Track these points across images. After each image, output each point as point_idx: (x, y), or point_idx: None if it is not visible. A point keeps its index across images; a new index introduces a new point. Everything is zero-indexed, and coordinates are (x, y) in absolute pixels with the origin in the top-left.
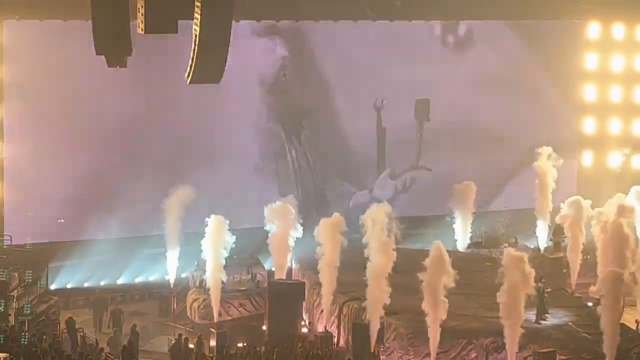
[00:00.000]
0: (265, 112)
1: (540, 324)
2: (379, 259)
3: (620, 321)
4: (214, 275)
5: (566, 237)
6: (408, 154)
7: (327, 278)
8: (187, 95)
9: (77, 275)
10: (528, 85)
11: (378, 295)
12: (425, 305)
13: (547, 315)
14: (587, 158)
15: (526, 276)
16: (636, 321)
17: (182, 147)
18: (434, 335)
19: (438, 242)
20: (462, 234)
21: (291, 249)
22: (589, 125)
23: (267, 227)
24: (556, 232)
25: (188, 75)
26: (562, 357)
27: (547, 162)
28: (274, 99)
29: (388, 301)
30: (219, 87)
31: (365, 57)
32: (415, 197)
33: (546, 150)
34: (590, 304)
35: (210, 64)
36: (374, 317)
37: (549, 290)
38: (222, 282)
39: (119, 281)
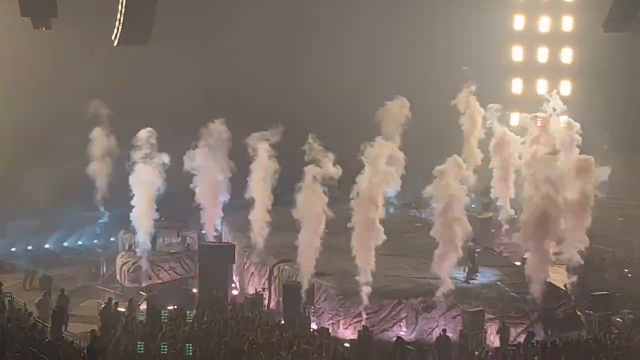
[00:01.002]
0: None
1: (470, 283)
2: (311, 221)
3: (548, 280)
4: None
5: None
6: None
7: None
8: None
9: (4, 240)
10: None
11: (308, 256)
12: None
13: (477, 274)
14: (514, 118)
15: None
16: (564, 285)
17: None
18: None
19: None
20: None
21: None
22: (516, 86)
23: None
24: (484, 192)
25: (115, 37)
26: (491, 315)
27: (475, 118)
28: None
29: (318, 263)
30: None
31: None
32: None
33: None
34: (518, 263)
35: (138, 26)
36: (305, 279)
37: (479, 250)
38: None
39: (47, 245)
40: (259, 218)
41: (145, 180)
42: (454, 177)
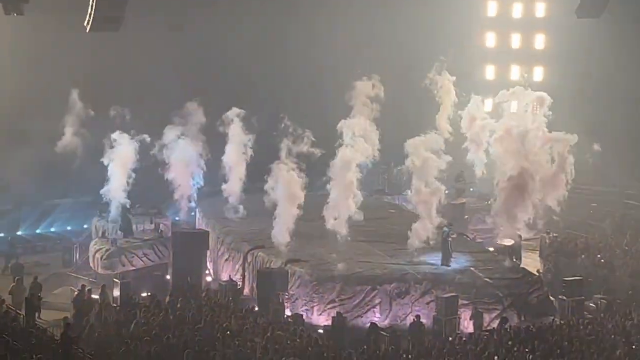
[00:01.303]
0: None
1: (449, 265)
2: (286, 206)
3: (522, 265)
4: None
5: (467, 182)
6: None
7: None
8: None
9: None
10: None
11: (282, 242)
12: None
13: (452, 258)
14: (488, 104)
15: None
16: (537, 270)
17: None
18: None
19: None
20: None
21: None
22: (489, 72)
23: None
24: (459, 177)
25: (87, 23)
26: (464, 301)
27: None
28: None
29: (292, 248)
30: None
31: None
32: None
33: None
34: (491, 249)
35: (110, 12)
36: (278, 265)
37: (454, 235)
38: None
39: (19, 232)
40: (234, 192)
41: (122, 152)
42: (427, 148)
